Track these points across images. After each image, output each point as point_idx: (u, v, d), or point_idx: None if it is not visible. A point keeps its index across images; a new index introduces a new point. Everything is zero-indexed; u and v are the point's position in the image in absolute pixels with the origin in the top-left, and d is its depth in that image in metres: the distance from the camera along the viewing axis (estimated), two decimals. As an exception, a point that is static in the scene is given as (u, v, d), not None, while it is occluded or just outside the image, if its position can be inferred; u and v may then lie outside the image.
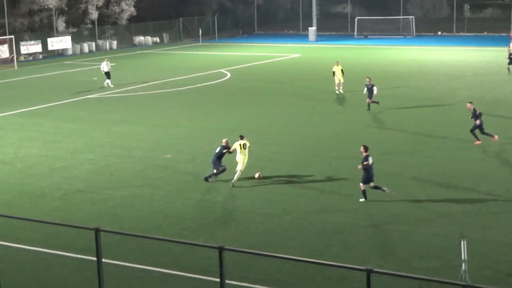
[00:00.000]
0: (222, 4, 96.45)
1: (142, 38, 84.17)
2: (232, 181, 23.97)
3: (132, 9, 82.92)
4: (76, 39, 76.13)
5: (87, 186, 24.48)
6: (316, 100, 40.69)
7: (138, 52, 75.05)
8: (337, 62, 42.44)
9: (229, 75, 52.98)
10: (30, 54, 70.03)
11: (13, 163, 27.94)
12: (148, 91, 45.41)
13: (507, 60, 49.50)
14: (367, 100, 36.50)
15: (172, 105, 39.99)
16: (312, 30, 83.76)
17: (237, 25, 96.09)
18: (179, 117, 36.47)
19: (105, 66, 47.65)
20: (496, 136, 28.94)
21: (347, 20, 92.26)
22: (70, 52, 74.09)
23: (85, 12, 79.26)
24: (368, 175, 21.76)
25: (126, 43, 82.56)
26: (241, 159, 24.14)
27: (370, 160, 21.74)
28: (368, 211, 21.23)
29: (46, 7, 74.83)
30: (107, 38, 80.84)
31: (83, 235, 14.80)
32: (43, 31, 75.14)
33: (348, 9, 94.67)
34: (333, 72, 41.94)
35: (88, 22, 79.69)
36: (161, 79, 50.51)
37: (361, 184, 21.92)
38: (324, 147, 29.44)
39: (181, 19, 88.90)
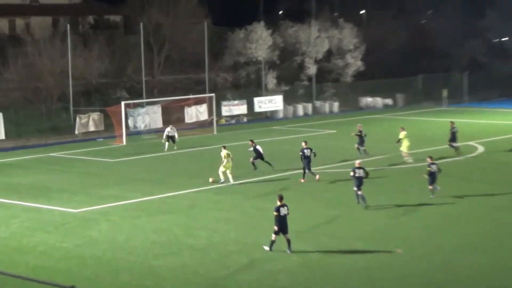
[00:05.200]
0: (475, 59, 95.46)
1: (370, 99, 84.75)
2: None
3: (359, 63, 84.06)
4: (288, 100, 78.11)
5: (294, 284, 24.87)
6: None
7: (365, 117, 75.25)
8: None
9: (481, 149, 52.19)
10: (232, 117, 72.87)
11: (206, 250, 28.95)
12: (370, 166, 44.97)
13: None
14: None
15: (399, 186, 39.67)
16: None
17: (493, 85, 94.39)
18: (410, 201, 36.12)
19: (170, 131, 56.30)
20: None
21: None
22: (281, 115, 76.33)
23: (301, 66, 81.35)
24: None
25: (350, 105, 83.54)
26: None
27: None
28: None
29: (254, 59, 77.71)
30: (327, 99, 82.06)
31: None
32: (249, 89, 77.75)
33: None
34: None
35: (304, 78, 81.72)
36: (387, 154, 50.36)
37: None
38: None
39: (420, 76, 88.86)
